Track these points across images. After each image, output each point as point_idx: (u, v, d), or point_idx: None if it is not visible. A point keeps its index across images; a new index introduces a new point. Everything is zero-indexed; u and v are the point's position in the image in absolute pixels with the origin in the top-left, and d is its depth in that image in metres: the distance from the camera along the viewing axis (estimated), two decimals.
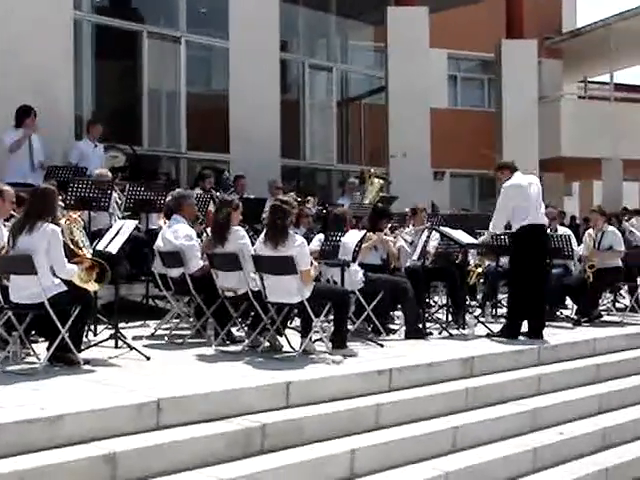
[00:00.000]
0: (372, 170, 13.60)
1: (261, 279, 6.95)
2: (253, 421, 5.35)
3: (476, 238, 9.22)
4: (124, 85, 15.20)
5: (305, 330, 7.06)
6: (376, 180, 13.06)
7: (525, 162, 18.92)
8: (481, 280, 10.81)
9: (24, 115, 10.54)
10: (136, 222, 7.44)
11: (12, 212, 6.90)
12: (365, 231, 8.11)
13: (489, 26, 22.69)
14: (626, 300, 11.46)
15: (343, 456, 5.41)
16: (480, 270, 10.50)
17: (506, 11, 19.68)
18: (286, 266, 6.66)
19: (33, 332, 6.81)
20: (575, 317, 10.14)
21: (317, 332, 7.18)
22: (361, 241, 7.70)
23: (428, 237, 8.75)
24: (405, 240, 9.86)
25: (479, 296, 11.25)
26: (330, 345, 7.04)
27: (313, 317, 6.88)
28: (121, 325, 7.45)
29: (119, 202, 9.44)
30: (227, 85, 15.06)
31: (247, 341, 7.25)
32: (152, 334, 8.17)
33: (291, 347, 7.23)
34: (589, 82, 31.45)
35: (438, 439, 6.06)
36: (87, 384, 5.66)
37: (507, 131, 19.42)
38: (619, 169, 24.84)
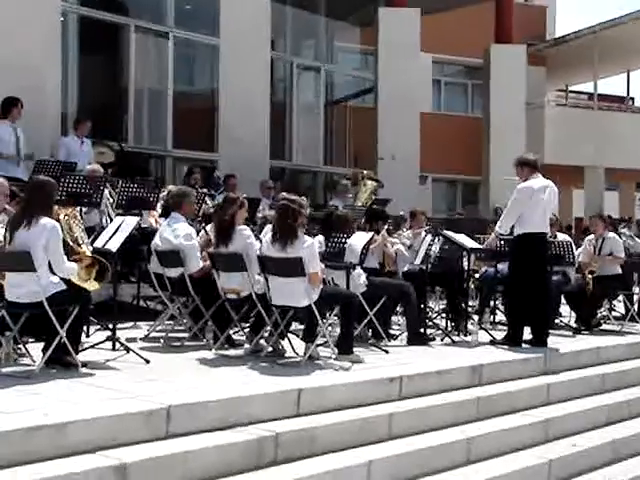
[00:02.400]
0: (365, 172, 13.35)
1: (266, 281, 6.67)
2: (265, 430, 5.08)
3: (478, 242, 9.03)
4: (110, 80, 14.82)
5: (310, 335, 6.78)
6: (369, 182, 12.83)
7: (511, 169, 18.91)
8: (472, 285, 10.61)
9: (10, 105, 10.22)
10: (137, 219, 7.12)
11: (6, 206, 6.56)
12: (372, 233, 7.82)
13: (473, 32, 22.60)
14: (621, 308, 11.29)
15: (359, 468, 5.15)
16: (477, 275, 10.34)
17: (495, 17, 19.54)
18: (294, 268, 6.39)
19: None
20: (574, 325, 9.95)
21: (322, 336, 6.91)
22: (369, 243, 7.45)
23: (433, 240, 8.50)
24: (403, 244, 9.64)
25: (472, 302, 11.05)
26: (336, 350, 6.77)
27: (320, 321, 6.62)
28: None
29: (111, 200, 9.12)
30: (216, 83, 14.78)
31: (250, 345, 6.96)
32: (146, 336, 7.85)
33: (295, 352, 6.97)
34: (567, 91, 31.60)
35: (453, 450, 5.83)
36: (89, 389, 5.36)
37: (494, 136, 19.28)
38: (601, 177, 24.86)
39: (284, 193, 12.26)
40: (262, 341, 7.05)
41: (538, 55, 26.31)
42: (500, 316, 10.21)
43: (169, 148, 14.52)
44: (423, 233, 9.83)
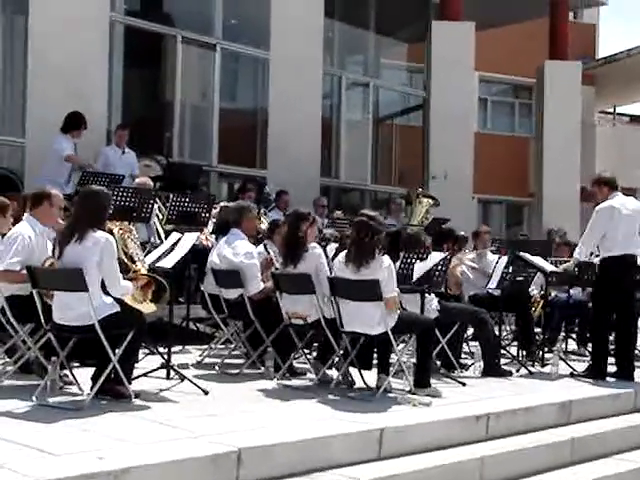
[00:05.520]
0: (420, 190, 12.71)
1: (337, 305, 6.03)
2: (347, 477, 4.44)
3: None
4: (155, 91, 14.35)
5: (384, 365, 6.14)
6: (424, 200, 12.14)
7: (566, 190, 18.23)
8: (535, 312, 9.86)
9: (77, 123, 9.83)
10: (197, 235, 6.53)
11: (60, 220, 5.98)
12: (448, 253, 7.13)
13: (521, 49, 21.98)
14: None
15: None
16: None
17: (549, 33, 18.86)
18: (371, 291, 5.74)
19: None
20: None
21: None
22: (446, 264, 6.77)
23: (509, 263, 7.82)
24: (468, 267, 8.95)
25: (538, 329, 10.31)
26: (412, 382, 6.10)
27: (396, 350, 5.97)
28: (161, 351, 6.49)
29: (160, 216, 8.57)
30: (265, 97, 14.24)
31: (317, 375, 6.32)
32: (199, 362, 7.26)
33: (365, 383, 6.31)
34: (615, 113, 30.77)
35: None
36: (145, 424, 4.75)
37: (548, 156, 18.54)
38: None
39: (339, 212, 11.77)
40: (329, 371, 6.41)
41: (586, 74, 25.54)
42: (572, 345, 9.49)
43: (214, 163, 13.97)
44: (489, 254, 9.18)
